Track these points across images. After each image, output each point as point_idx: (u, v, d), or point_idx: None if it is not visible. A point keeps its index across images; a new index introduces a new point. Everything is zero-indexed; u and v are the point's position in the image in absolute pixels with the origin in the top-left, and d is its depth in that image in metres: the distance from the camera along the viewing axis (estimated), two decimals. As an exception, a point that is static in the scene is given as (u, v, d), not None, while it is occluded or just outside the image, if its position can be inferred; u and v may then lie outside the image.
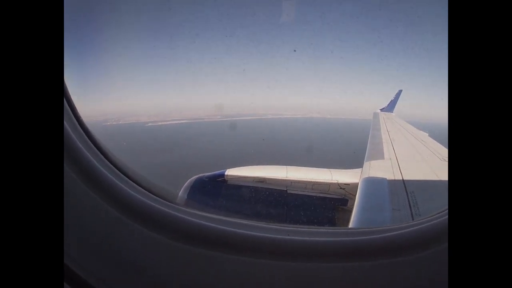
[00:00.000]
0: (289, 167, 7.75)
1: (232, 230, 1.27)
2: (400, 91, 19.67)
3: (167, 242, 1.21)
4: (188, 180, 6.97)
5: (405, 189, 6.12)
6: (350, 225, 4.88)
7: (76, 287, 1.11)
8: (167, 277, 1.20)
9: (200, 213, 1.35)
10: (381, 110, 18.17)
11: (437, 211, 1.35)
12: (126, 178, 1.34)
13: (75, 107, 1.30)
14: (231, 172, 7.37)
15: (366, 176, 6.95)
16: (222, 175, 7.24)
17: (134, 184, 1.35)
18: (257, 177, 7.34)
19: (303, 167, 8.00)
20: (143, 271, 1.19)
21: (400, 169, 7.29)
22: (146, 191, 1.35)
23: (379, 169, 7.30)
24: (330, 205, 7.25)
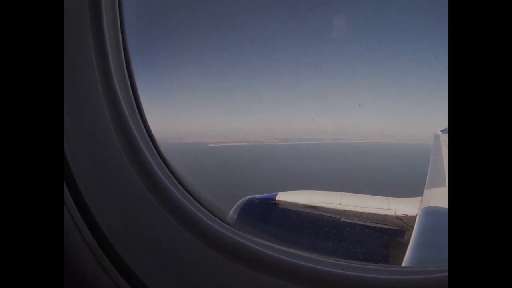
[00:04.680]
0: (343, 193, 7.46)
1: (284, 258, 1.28)
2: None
3: (213, 255, 1.25)
4: (239, 201, 7.04)
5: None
6: (404, 261, 4.63)
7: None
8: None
9: (250, 237, 1.37)
10: (442, 131, 16.43)
11: None
12: (185, 192, 1.43)
13: (143, 112, 1.43)
14: (283, 195, 7.32)
15: (426, 205, 6.47)
16: (274, 197, 7.22)
17: (191, 198, 1.42)
18: (309, 202, 7.21)
19: (358, 194, 7.66)
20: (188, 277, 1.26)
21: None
22: (201, 206, 1.42)
23: (440, 197, 6.75)
24: (385, 236, 6.87)
